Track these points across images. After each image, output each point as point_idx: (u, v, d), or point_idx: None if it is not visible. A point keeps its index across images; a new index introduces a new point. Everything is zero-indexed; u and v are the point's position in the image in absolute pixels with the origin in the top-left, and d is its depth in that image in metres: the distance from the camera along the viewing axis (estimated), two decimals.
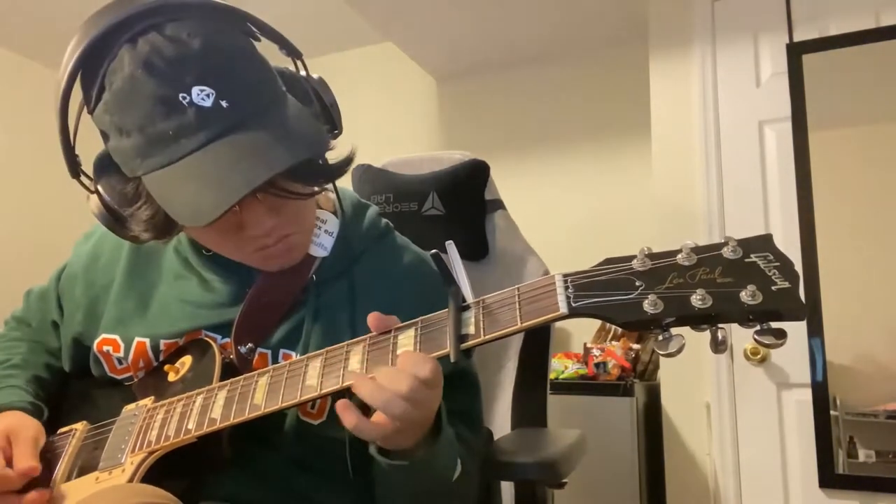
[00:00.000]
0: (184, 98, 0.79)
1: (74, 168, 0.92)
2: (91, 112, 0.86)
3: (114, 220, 0.91)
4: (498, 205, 1.65)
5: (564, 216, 3.21)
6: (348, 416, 0.78)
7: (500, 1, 2.90)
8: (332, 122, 0.97)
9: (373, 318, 0.83)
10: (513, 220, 1.66)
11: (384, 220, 1.14)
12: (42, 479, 0.95)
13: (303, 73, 0.98)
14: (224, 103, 0.80)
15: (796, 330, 2.13)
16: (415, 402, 0.76)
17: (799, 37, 2.37)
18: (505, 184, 1.75)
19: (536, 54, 3.38)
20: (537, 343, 1.56)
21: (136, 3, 0.83)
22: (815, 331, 2.16)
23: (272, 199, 0.88)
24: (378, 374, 0.78)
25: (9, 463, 0.91)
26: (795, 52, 2.34)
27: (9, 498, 0.90)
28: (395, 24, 3.10)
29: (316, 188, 0.93)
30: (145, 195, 0.86)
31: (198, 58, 0.80)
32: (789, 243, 2.22)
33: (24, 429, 0.97)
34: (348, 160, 0.94)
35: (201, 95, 0.79)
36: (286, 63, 0.97)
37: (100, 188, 0.90)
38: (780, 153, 2.34)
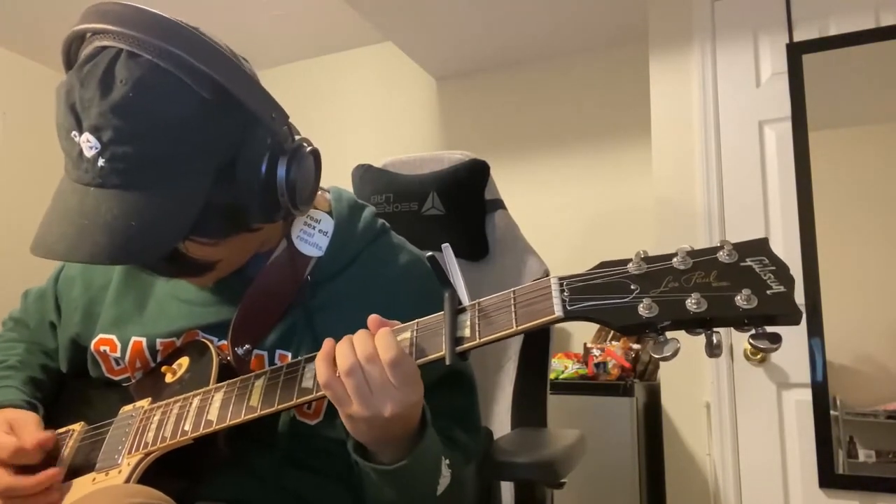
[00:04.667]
0: (75, 136, 0.82)
1: None
2: None
3: None
4: (498, 205, 1.64)
5: (564, 215, 3.21)
6: (322, 368, 0.80)
7: (500, 1, 2.89)
8: (273, 198, 0.90)
9: (373, 321, 0.83)
10: (513, 220, 1.66)
11: (380, 221, 1.14)
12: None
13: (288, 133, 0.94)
14: (101, 162, 0.80)
15: (796, 330, 2.13)
16: (371, 376, 0.78)
17: (799, 37, 2.37)
18: (505, 184, 1.76)
19: (536, 54, 3.37)
20: (537, 343, 1.56)
21: (131, 19, 0.83)
22: (815, 331, 2.16)
23: None
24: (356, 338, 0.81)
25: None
26: (795, 52, 2.33)
27: (23, 479, 0.92)
28: (395, 24, 3.10)
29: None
30: None
31: (106, 111, 0.79)
32: (789, 243, 2.22)
33: (25, 415, 0.99)
34: (213, 262, 0.94)
35: (88, 144, 0.81)
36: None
37: None
38: (780, 153, 2.33)
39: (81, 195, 0.82)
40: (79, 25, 0.85)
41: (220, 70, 0.84)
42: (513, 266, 1.60)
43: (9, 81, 3.64)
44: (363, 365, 0.78)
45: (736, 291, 0.66)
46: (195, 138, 0.83)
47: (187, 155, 0.83)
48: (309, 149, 0.95)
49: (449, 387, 1.03)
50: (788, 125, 2.31)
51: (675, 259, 0.70)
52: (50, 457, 0.98)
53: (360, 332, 0.81)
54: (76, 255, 0.80)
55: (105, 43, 0.82)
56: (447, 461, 0.93)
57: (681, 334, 0.70)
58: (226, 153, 0.86)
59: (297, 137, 0.95)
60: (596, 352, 2.64)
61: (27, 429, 0.96)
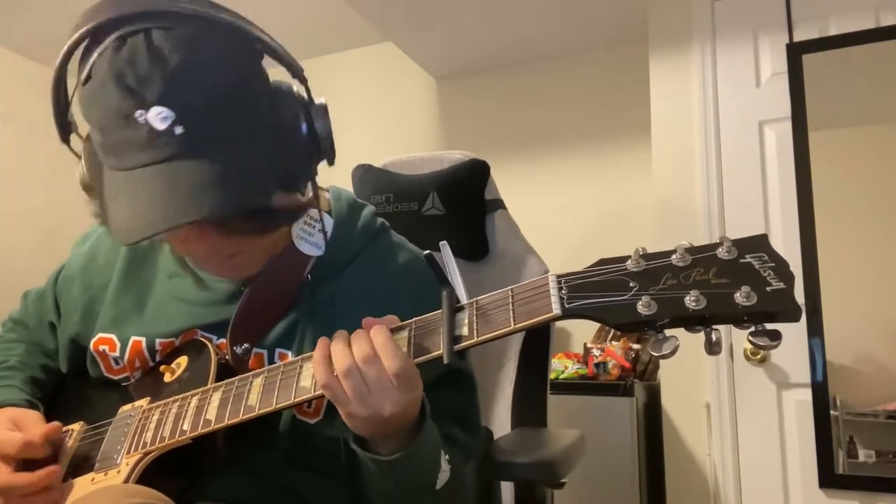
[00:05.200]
0: (140, 116, 0.78)
1: (65, 132, 0.92)
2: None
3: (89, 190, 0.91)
4: (498, 205, 1.65)
5: (564, 215, 3.21)
6: (320, 369, 0.80)
7: (500, 1, 2.89)
8: (319, 152, 0.92)
9: (367, 324, 0.83)
10: (513, 220, 1.66)
11: (380, 220, 1.13)
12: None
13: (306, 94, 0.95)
14: (179, 129, 0.78)
15: (796, 330, 2.14)
16: (369, 376, 0.77)
17: (799, 37, 2.37)
18: (505, 184, 1.75)
19: (536, 54, 3.37)
20: (537, 343, 1.56)
21: (140, 1, 0.82)
22: (815, 331, 2.16)
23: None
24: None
25: None
26: (795, 52, 2.33)
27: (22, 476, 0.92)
28: (395, 24, 3.10)
29: (256, 230, 0.91)
30: (101, 186, 0.86)
31: (167, 77, 0.78)
32: (789, 243, 2.22)
33: (28, 413, 1.00)
34: (302, 208, 0.94)
35: (159, 117, 0.78)
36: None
37: (83, 157, 0.90)
38: (780, 153, 2.33)
39: (166, 172, 0.79)
40: (92, 22, 0.83)
41: (240, 23, 0.86)
42: (513, 266, 1.60)
43: (9, 81, 3.63)
44: (360, 366, 0.78)
45: (735, 288, 0.66)
46: (249, 90, 0.85)
47: (247, 108, 0.84)
48: (323, 100, 0.96)
49: (448, 385, 1.02)
50: (788, 125, 2.30)
51: (674, 256, 0.70)
52: (51, 456, 0.98)
53: (358, 332, 0.81)
54: (184, 216, 0.77)
55: (127, 29, 0.81)
56: (447, 456, 0.93)
57: (680, 332, 0.70)
58: (274, 97, 0.89)
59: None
60: (596, 352, 2.64)
61: (30, 423, 0.97)
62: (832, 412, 2.15)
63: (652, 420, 2.56)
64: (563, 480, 1.21)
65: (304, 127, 0.90)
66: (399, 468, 0.85)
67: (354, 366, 0.78)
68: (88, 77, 0.82)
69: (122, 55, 0.79)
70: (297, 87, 0.92)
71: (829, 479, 2.13)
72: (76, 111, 0.89)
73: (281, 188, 0.88)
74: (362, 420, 0.79)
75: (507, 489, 1.38)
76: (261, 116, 0.86)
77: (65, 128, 0.91)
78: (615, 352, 2.61)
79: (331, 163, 0.93)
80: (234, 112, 0.82)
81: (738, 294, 0.66)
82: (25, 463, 0.94)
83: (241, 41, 0.86)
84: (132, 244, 0.78)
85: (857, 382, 2.18)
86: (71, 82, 0.88)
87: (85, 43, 0.84)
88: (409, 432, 0.85)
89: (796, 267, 2.16)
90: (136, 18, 0.81)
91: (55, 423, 0.98)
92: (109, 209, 0.83)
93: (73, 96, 0.88)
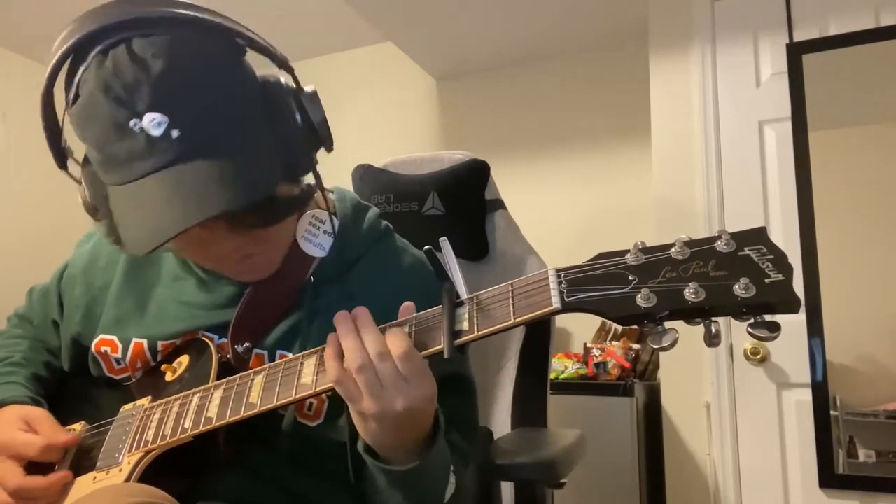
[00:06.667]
0: (135, 125, 0.78)
1: (61, 158, 0.92)
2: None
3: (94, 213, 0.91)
4: (498, 205, 1.65)
5: (565, 216, 3.21)
6: (332, 365, 0.79)
7: (499, 1, 2.90)
8: (317, 140, 0.92)
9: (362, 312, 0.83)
10: (513, 220, 1.66)
11: (384, 223, 1.13)
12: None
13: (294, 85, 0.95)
14: (175, 132, 0.78)
15: (796, 330, 2.14)
16: (383, 372, 0.77)
17: (799, 37, 2.37)
18: (505, 184, 1.76)
19: (536, 54, 3.38)
20: (538, 343, 1.56)
21: (114, 12, 0.82)
22: (815, 331, 2.16)
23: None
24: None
25: None
26: (795, 52, 2.33)
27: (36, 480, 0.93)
28: (395, 24, 3.10)
29: (264, 222, 0.90)
30: (107, 206, 0.85)
31: (155, 82, 0.78)
32: (789, 243, 2.21)
33: (36, 411, 1.00)
34: (306, 196, 0.93)
35: (153, 123, 0.78)
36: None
37: (83, 181, 0.89)
38: (780, 153, 2.33)
39: (171, 176, 0.78)
40: (72, 40, 0.83)
41: (218, 19, 0.86)
42: (513, 266, 1.60)
43: (9, 81, 3.64)
44: (375, 361, 0.77)
45: (734, 280, 0.66)
46: (239, 84, 0.85)
47: (240, 101, 0.84)
48: (313, 88, 0.95)
49: (449, 390, 1.00)
50: (788, 125, 2.31)
51: (672, 249, 0.70)
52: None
53: (369, 328, 0.80)
54: (196, 215, 0.76)
55: (108, 42, 0.81)
56: (452, 467, 0.93)
57: (680, 325, 0.70)
58: (264, 90, 0.88)
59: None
60: (596, 352, 2.64)
61: (46, 425, 0.97)
62: (832, 412, 2.14)
63: (652, 420, 2.56)
64: (563, 480, 1.22)
65: (297, 116, 0.89)
66: (410, 480, 0.84)
67: (368, 361, 0.77)
68: (77, 97, 0.82)
69: (106, 68, 0.80)
70: (284, 78, 0.92)
71: (829, 479, 2.13)
72: (70, 137, 0.89)
73: (284, 178, 0.87)
74: (375, 417, 0.77)
75: (507, 489, 1.38)
76: (253, 110, 0.85)
77: (60, 153, 0.91)
78: (615, 352, 2.61)
79: (329, 149, 0.93)
80: (226, 109, 0.82)
81: (736, 286, 0.66)
82: (31, 462, 0.95)
83: (220, 38, 0.86)
84: (149, 253, 0.77)
85: (857, 382, 2.18)
86: (59, 109, 0.88)
87: (67, 63, 0.84)
88: (421, 443, 0.84)
89: (796, 267, 2.14)
90: (114, 30, 0.81)
91: (73, 435, 0.98)
92: (119, 225, 0.82)
93: (63, 120, 0.88)
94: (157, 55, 0.79)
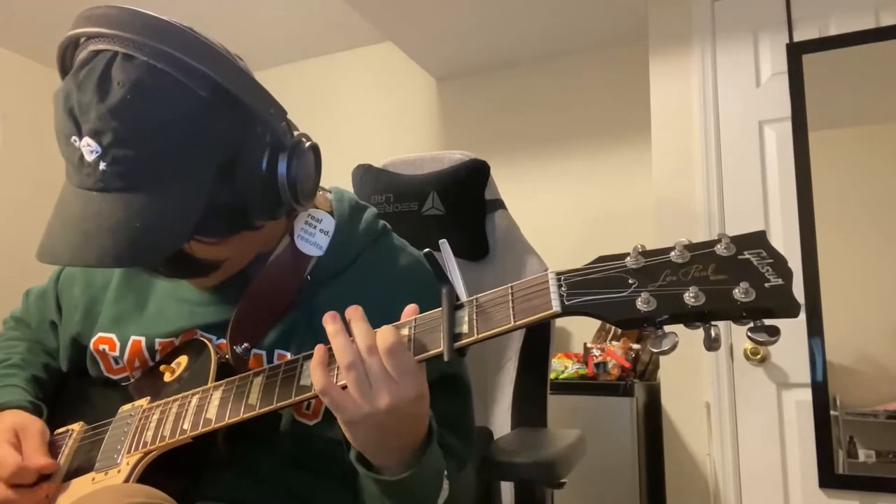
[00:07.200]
0: (75, 141, 0.81)
1: None
2: None
3: None
4: (498, 205, 1.64)
5: (564, 216, 3.21)
6: (318, 374, 0.78)
7: (499, 1, 2.90)
8: (280, 198, 0.92)
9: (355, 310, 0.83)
10: (513, 220, 1.66)
11: (381, 222, 1.13)
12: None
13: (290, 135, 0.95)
14: (102, 165, 0.80)
15: (796, 330, 2.14)
16: (371, 368, 0.76)
17: (799, 37, 2.37)
18: (505, 184, 1.75)
19: (536, 54, 3.37)
20: (538, 343, 1.56)
21: (113, 20, 0.82)
22: (815, 331, 2.16)
23: None
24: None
25: None
26: (795, 52, 2.33)
27: (21, 490, 0.92)
28: (395, 24, 3.10)
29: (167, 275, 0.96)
30: None
31: (103, 113, 0.79)
32: (789, 243, 2.22)
33: (32, 423, 0.99)
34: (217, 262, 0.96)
35: (87, 148, 0.80)
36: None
37: None
38: (780, 153, 2.34)
39: (84, 200, 0.82)
40: (72, 30, 0.85)
41: (215, 68, 0.84)
42: (513, 266, 1.60)
43: (9, 82, 3.64)
44: (364, 357, 0.77)
45: (734, 284, 0.66)
46: (195, 138, 0.83)
47: (188, 154, 0.83)
48: (308, 144, 0.96)
49: (445, 392, 1.01)
50: (788, 125, 2.31)
51: (672, 253, 0.70)
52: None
53: (360, 323, 0.80)
54: (81, 259, 0.80)
55: (100, 47, 0.82)
56: (446, 473, 0.92)
57: (680, 330, 0.70)
58: (226, 151, 0.86)
59: (296, 133, 0.96)
60: (596, 352, 2.64)
61: (32, 443, 0.96)
62: (832, 412, 2.15)
63: (652, 420, 2.56)
64: (563, 480, 1.21)
65: (263, 168, 0.90)
66: (402, 490, 0.84)
67: (358, 358, 0.77)
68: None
69: (80, 73, 0.81)
70: (285, 122, 0.94)
71: (829, 478, 2.13)
72: None
73: (207, 233, 0.89)
74: (362, 422, 0.77)
75: (507, 489, 1.38)
76: (200, 162, 0.85)
77: None
78: (615, 352, 2.61)
79: (296, 205, 0.94)
80: (163, 158, 0.82)
81: (736, 290, 0.66)
82: None
83: (203, 84, 0.84)
84: (41, 261, 0.82)
85: (857, 382, 2.18)
86: None
87: (62, 58, 0.88)
88: (412, 452, 0.83)
89: (796, 267, 2.16)
90: (116, 39, 0.82)
91: (53, 461, 0.96)
92: (49, 221, 0.86)
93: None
94: (123, 84, 0.80)
